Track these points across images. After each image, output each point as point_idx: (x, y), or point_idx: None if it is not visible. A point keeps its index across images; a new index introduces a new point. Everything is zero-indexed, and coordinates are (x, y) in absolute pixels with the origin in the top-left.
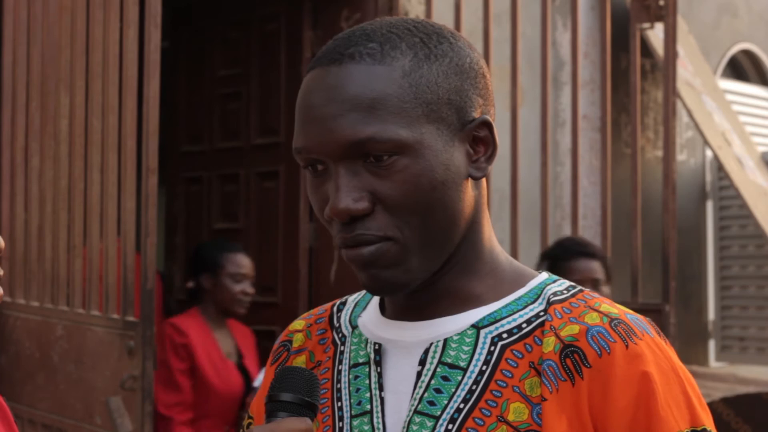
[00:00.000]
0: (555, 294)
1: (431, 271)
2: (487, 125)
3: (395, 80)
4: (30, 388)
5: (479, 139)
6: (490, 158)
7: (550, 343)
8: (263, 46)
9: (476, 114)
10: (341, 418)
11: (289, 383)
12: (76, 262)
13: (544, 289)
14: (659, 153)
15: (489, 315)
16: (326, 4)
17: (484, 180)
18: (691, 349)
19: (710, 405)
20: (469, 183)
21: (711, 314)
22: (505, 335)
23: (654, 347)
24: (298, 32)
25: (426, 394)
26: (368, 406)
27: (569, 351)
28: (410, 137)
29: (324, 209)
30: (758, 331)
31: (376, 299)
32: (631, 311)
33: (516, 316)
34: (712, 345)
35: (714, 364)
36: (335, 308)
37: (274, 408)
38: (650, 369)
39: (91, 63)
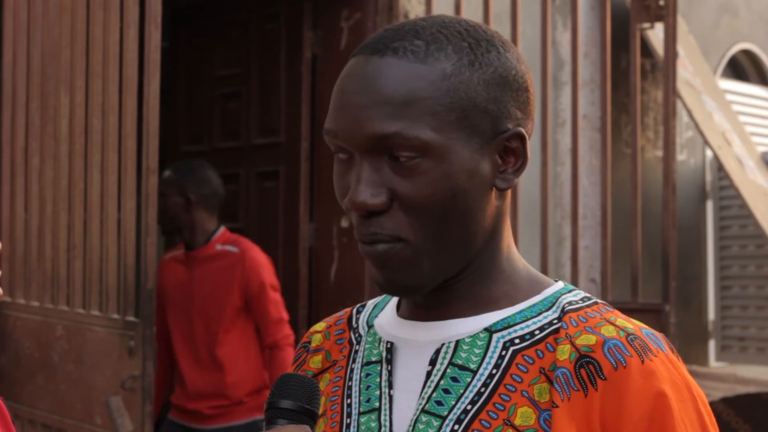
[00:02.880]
0: (570, 303)
1: (444, 276)
2: (520, 137)
3: (433, 82)
4: (30, 388)
5: (510, 151)
6: (518, 170)
7: (565, 351)
8: (263, 46)
9: (511, 126)
10: (349, 415)
11: (289, 390)
12: (76, 261)
13: (559, 297)
14: (659, 153)
15: (502, 320)
16: (326, 4)
17: (508, 193)
18: (691, 348)
19: (710, 405)
20: (493, 193)
21: (711, 314)
22: (517, 340)
23: (668, 364)
24: (298, 32)
25: (434, 394)
26: (377, 404)
27: (584, 361)
28: (437, 140)
29: (345, 197)
30: (758, 331)
31: (394, 300)
32: (645, 326)
33: (529, 322)
34: (712, 345)
35: (714, 363)
36: (355, 310)
37: (273, 415)
38: (665, 386)
39: (91, 63)
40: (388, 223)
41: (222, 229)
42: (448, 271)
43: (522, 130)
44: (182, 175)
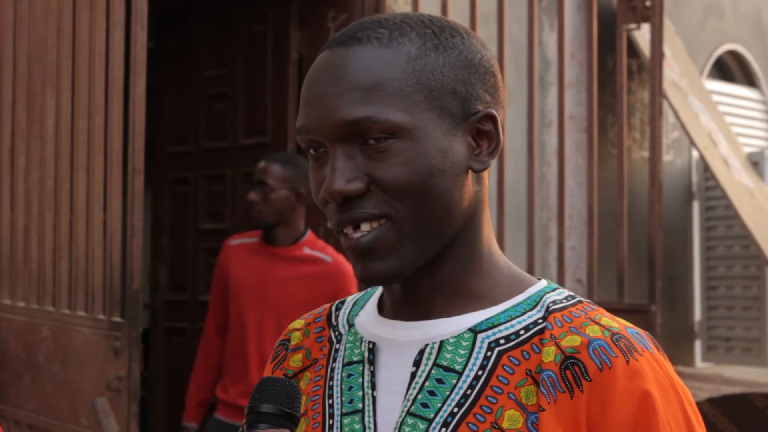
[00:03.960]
0: (554, 302)
1: (424, 259)
2: (492, 119)
3: (399, 64)
4: (16, 389)
5: (483, 133)
6: (492, 153)
7: (550, 353)
8: (250, 47)
9: (481, 108)
10: (332, 416)
11: (269, 394)
12: (62, 262)
13: (543, 296)
14: (645, 153)
15: (486, 319)
16: (313, 5)
17: (486, 179)
18: (677, 349)
19: (696, 405)
20: (470, 176)
21: (697, 314)
22: (502, 341)
23: (654, 363)
24: (284, 33)
25: (420, 396)
26: (360, 405)
27: (570, 363)
28: (408, 121)
29: (320, 191)
30: (744, 332)
31: (374, 299)
32: (630, 325)
33: (514, 322)
34: (698, 345)
35: (700, 364)
36: (334, 307)
37: (254, 419)
38: (650, 386)
39: (77, 63)
40: (369, 203)
41: (309, 232)
42: (428, 254)
43: (493, 111)
44: (293, 169)
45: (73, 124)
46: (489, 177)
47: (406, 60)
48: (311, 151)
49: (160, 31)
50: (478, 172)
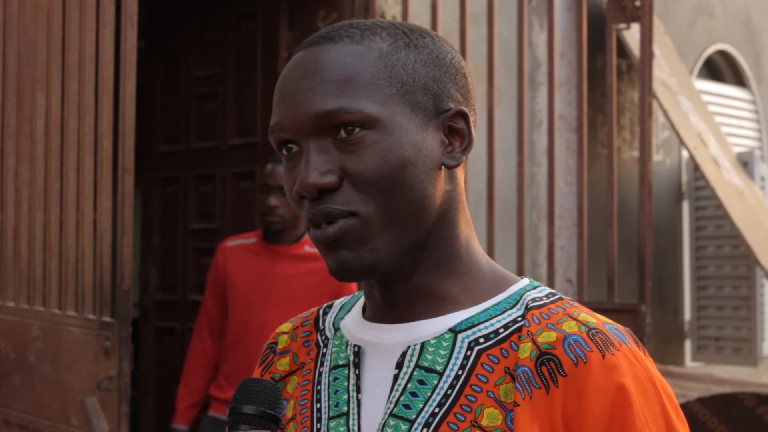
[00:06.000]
0: (534, 300)
1: (397, 253)
2: (464, 117)
3: (371, 59)
4: (5, 389)
5: (455, 131)
6: (465, 150)
7: (526, 349)
8: (240, 46)
9: (452, 105)
10: (319, 419)
11: (252, 395)
12: (52, 262)
13: (523, 294)
14: (635, 153)
15: (467, 319)
16: (302, 4)
17: (461, 179)
18: (667, 349)
19: (686, 405)
20: (443, 174)
21: (687, 314)
22: (481, 340)
23: (632, 358)
24: (274, 32)
25: (402, 398)
26: (345, 408)
27: (545, 358)
28: (381, 113)
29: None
30: (734, 332)
31: (359, 303)
32: (609, 321)
33: (493, 321)
34: (688, 345)
35: (690, 364)
36: (321, 311)
37: (236, 420)
38: (626, 380)
39: (67, 63)
40: (339, 198)
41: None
42: (400, 248)
43: (464, 108)
44: None
45: (63, 124)
46: (465, 178)
47: (377, 55)
48: (284, 152)
49: (149, 31)
50: (451, 168)
